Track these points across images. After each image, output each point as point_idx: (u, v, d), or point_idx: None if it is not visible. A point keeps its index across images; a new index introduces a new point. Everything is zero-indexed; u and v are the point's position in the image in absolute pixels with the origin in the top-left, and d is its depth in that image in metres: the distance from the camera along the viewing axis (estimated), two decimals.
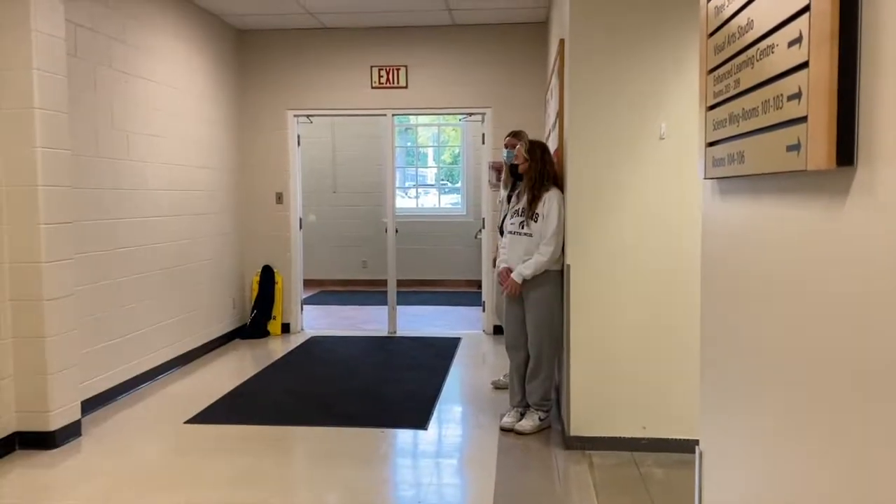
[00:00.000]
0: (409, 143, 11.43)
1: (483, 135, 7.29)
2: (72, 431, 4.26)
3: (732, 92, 1.39)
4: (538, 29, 6.98)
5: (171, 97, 5.92)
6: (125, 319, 5.20)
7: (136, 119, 5.39)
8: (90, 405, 4.69)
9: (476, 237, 9.05)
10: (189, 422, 4.59)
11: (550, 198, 4.23)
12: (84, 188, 4.71)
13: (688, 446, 3.83)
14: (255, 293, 7.34)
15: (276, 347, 6.84)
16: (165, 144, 5.81)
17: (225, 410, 4.87)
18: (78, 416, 4.34)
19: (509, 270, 4.36)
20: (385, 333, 7.44)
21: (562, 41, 4.43)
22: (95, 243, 4.85)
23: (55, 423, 4.13)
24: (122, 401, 5.05)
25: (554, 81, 5.01)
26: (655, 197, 3.95)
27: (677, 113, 3.87)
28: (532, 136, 5.12)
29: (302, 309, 7.66)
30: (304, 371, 5.98)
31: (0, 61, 3.97)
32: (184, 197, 6.11)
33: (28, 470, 3.84)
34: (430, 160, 11.55)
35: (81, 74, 4.71)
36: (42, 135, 4.04)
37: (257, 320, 7.25)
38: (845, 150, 0.98)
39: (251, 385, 5.48)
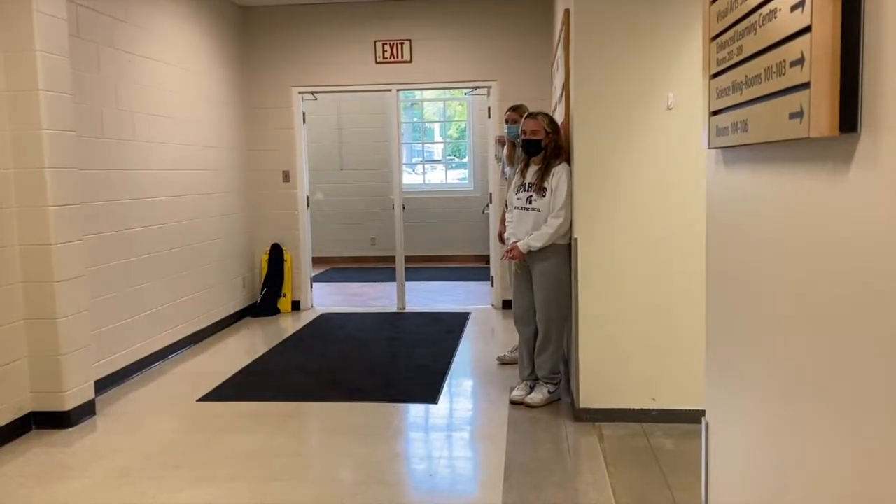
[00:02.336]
0: (415, 119, 11.38)
1: (489, 108, 7.24)
2: (86, 411, 4.31)
3: (735, 59, 1.37)
4: (543, 0, 6.89)
5: (176, 76, 5.90)
6: (136, 299, 5.24)
7: (141, 99, 5.38)
8: (103, 385, 4.75)
9: (483, 212, 9.03)
10: (202, 399, 4.64)
11: (559, 171, 4.21)
12: (91, 169, 4.72)
13: (697, 417, 3.83)
14: (264, 271, 7.37)
15: (287, 325, 6.88)
16: (171, 124, 5.80)
17: (237, 388, 4.91)
18: (92, 395, 4.39)
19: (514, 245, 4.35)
20: (394, 309, 7.47)
21: (567, 11, 4.37)
22: (104, 224, 4.87)
23: (70, 402, 4.18)
24: (135, 380, 5.10)
25: (560, 53, 4.95)
26: (663, 168, 3.92)
27: (685, 82, 3.82)
28: (538, 108, 5.08)
29: (311, 286, 7.69)
30: (314, 348, 6.02)
31: (3, 43, 3.96)
32: (191, 176, 6.12)
33: (44, 449, 3.90)
34: (436, 135, 11.50)
35: (84, 55, 4.70)
36: (47, 116, 4.04)
37: (267, 298, 7.29)
38: (848, 117, 0.96)
39: (263, 362, 5.53)
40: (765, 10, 1.20)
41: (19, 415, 4.06)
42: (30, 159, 4.03)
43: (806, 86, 1.03)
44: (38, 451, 3.87)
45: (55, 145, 4.10)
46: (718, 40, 1.49)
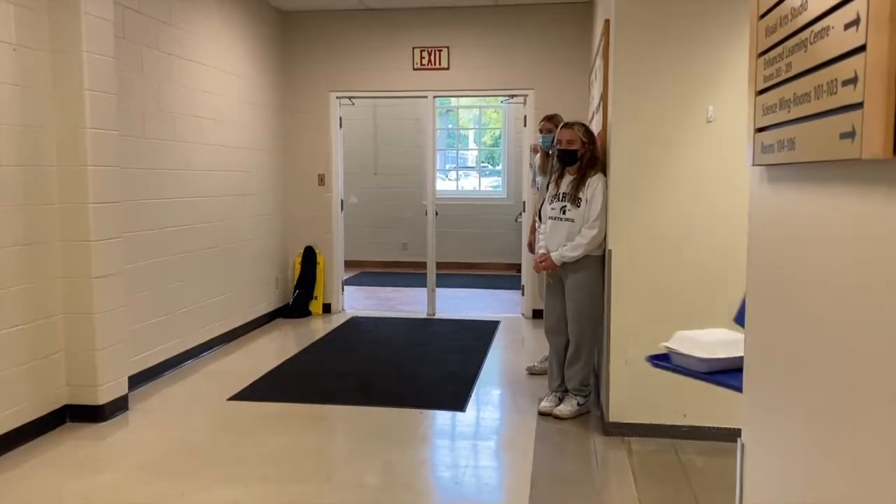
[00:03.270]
0: (449, 126, 11.40)
1: (525, 117, 7.23)
2: (119, 405, 4.38)
3: (784, 76, 1.34)
4: (583, 9, 6.87)
5: (216, 79, 5.99)
6: (171, 297, 5.32)
7: (182, 101, 5.47)
8: (137, 381, 4.82)
9: (516, 220, 9.01)
10: (232, 399, 4.69)
11: (595, 182, 4.18)
12: (132, 168, 4.81)
13: (729, 435, 3.77)
14: (297, 273, 7.43)
15: (318, 327, 6.93)
16: (210, 126, 5.88)
17: (267, 388, 4.95)
18: (125, 390, 4.47)
19: (546, 255, 4.33)
20: (424, 315, 7.47)
21: (607, 22, 4.35)
22: (142, 222, 4.96)
23: (104, 397, 4.26)
24: (167, 377, 5.17)
25: (598, 63, 4.92)
26: (701, 181, 3.87)
27: (726, 96, 3.77)
28: (573, 118, 5.05)
29: (343, 289, 7.74)
30: (344, 351, 6.04)
31: (51, 43, 4.06)
32: (228, 178, 6.20)
33: (78, 442, 3.97)
34: (470, 142, 11.50)
35: (129, 56, 4.79)
36: (91, 116, 4.13)
37: (299, 300, 7.35)
38: None
39: (293, 363, 5.57)
40: (817, 27, 1.17)
41: (55, 407, 4.13)
42: (73, 157, 4.11)
43: (859, 106, 1.00)
44: (72, 443, 3.94)
45: (98, 144, 4.18)
46: (766, 56, 1.46)
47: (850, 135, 1.03)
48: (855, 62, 1.02)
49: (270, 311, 7.11)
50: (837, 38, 1.09)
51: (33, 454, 3.77)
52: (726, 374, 2.00)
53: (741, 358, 1.81)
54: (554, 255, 4.28)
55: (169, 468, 3.60)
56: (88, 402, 4.23)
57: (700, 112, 3.85)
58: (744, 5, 3.10)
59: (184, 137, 5.48)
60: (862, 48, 1.00)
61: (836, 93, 1.09)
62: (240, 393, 4.80)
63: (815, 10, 1.19)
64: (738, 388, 1.92)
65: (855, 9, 1.02)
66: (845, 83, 1.05)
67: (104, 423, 4.21)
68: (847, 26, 1.05)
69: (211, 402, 4.64)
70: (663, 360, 2.27)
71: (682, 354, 2.21)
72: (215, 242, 5.98)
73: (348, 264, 9.06)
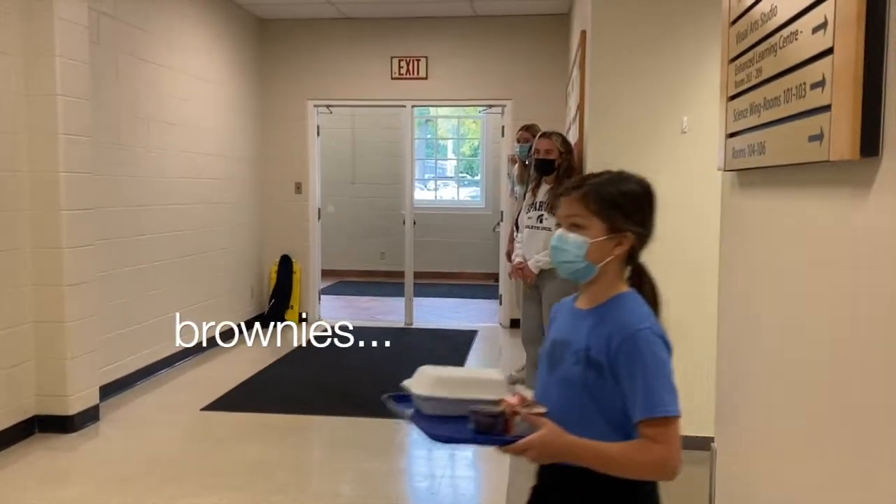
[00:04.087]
0: (428, 135, 11.41)
1: (503, 127, 7.25)
2: (90, 416, 4.30)
3: (754, 81, 1.36)
4: (560, 21, 6.92)
5: (192, 86, 5.95)
6: (144, 306, 5.24)
7: (157, 107, 5.42)
8: (109, 390, 4.74)
9: (494, 230, 9.02)
10: (206, 409, 4.62)
11: None
12: (105, 175, 4.75)
13: (702, 443, 3.78)
14: (273, 282, 7.37)
15: (293, 336, 6.87)
16: (186, 133, 5.83)
17: (241, 398, 4.90)
18: (96, 400, 4.39)
19: (523, 264, 4.33)
20: (402, 325, 7.44)
21: (583, 33, 4.39)
22: (116, 230, 4.89)
23: (74, 407, 4.17)
24: (140, 386, 5.09)
25: (575, 74, 4.96)
26: (676, 191, 3.88)
27: (700, 106, 3.81)
28: (551, 128, 5.08)
29: (319, 299, 7.69)
30: (320, 361, 5.99)
31: (24, 48, 4.00)
32: (204, 185, 6.14)
33: (47, 453, 3.89)
34: (449, 152, 11.52)
35: (103, 62, 4.74)
36: (64, 122, 4.07)
37: (275, 309, 7.28)
38: (870, 140, 0.95)
39: (268, 374, 5.51)
40: (786, 31, 1.19)
41: (23, 418, 4.05)
42: (45, 163, 4.05)
43: (827, 108, 1.01)
44: (41, 454, 3.86)
45: (71, 150, 4.13)
46: (737, 62, 1.48)
47: (818, 137, 1.04)
48: (823, 65, 1.03)
49: (246, 321, 7.03)
50: (806, 42, 1.11)
51: (0, 466, 3.69)
52: (450, 421, 1.53)
53: (478, 400, 1.47)
54: (530, 263, 4.28)
55: (140, 480, 3.54)
56: (58, 413, 4.14)
57: (675, 123, 3.88)
58: (717, 16, 3.14)
59: (159, 144, 5.43)
60: (829, 51, 1.01)
61: (804, 96, 1.11)
62: (213, 403, 4.74)
63: (783, 14, 1.21)
64: (447, 439, 1.61)
65: (822, 12, 1.03)
66: (814, 86, 1.07)
67: (74, 434, 4.13)
68: (815, 30, 1.07)
69: (184, 413, 4.58)
70: (403, 402, 1.74)
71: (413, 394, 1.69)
72: (190, 251, 5.91)
73: (325, 273, 9.01)
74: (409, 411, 1.64)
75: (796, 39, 1.14)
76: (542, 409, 1.43)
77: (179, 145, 5.73)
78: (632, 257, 1.53)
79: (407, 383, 1.73)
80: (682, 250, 3.89)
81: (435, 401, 1.59)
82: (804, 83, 1.10)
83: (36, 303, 4.09)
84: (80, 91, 4.20)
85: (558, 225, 1.55)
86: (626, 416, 1.40)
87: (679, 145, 3.88)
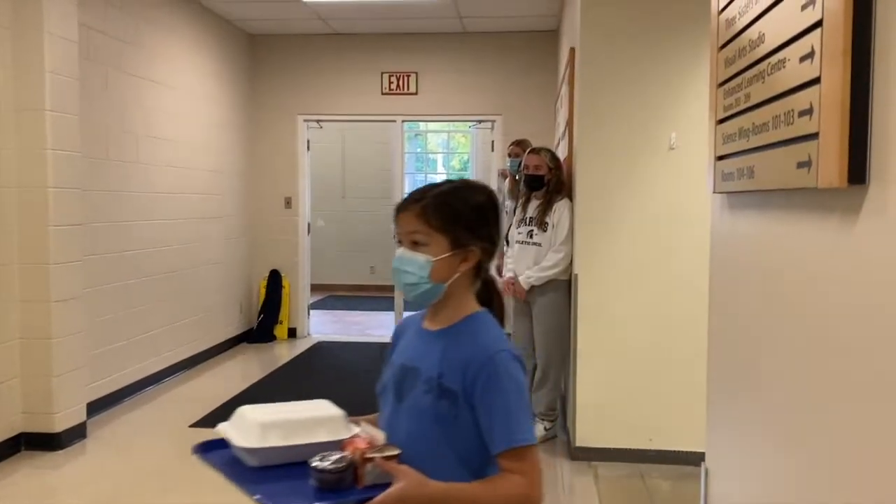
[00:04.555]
0: (418, 149, 11.44)
1: (492, 142, 7.28)
2: (77, 433, 4.26)
3: (742, 106, 1.37)
4: (549, 37, 6.97)
5: (182, 100, 5.94)
6: (132, 322, 5.21)
7: (147, 122, 5.41)
8: (96, 407, 4.70)
9: None
10: (194, 425, 4.59)
11: (561, 207, 4.22)
12: (93, 190, 4.73)
13: (694, 459, 3.79)
14: (262, 297, 7.34)
15: (282, 352, 6.84)
16: (175, 148, 5.82)
17: (230, 415, 4.85)
18: (83, 417, 4.35)
19: (514, 280, 4.34)
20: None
21: (572, 50, 4.42)
22: (104, 246, 4.86)
23: (61, 424, 4.14)
24: (127, 403, 5.05)
25: (564, 90, 4.99)
26: (665, 207, 3.93)
27: (688, 123, 3.84)
28: (540, 143, 5.11)
29: (309, 314, 7.66)
30: (309, 376, 5.97)
31: (13, 64, 3.99)
32: (193, 200, 6.12)
33: (33, 471, 3.84)
34: (439, 166, 11.55)
35: (93, 77, 4.73)
36: (53, 137, 4.06)
37: (264, 325, 7.25)
38: (857, 169, 0.96)
39: (257, 390, 5.48)
40: (773, 59, 1.21)
41: (9, 435, 4.00)
42: (33, 178, 4.03)
43: (814, 136, 1.03)
44: (27, 472, 3.82)
45: (59, 166, 4.11)
46: (725, 87, 1.50)
47: (806, 164, 1.06)
48: (810, 94, 1.05)
49: (234, 336, 7.00)
50: (793, 71, 1.12)
51: None
52: (283, 476, 1.30)
53: (317, 445, 1.31)
54: (521, 279, 4.29)
55: (128, 498, 3.51)
56: (45, 430, 4.10)
57: (663, 139, 3.91)
58: (705, 35, 3.18)
59: (148, 159, 5.42)
60: (817, 80, 1.03)
61: (792, 123, 1.12)
62: (202, 420, 4.71)
63: (771, 42, 1.22)
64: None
65: (809, 42, 1.05)
66: (801, 114, 1.08)
67: (61, 452, 4.09)
68: (802, 59, 1.08)
69: (172, 430, 4.54)
70: (219, 449, 1.47)
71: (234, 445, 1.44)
72: (179, 266, 5.89)
73: (315, 288, 8.99)
74: (228, 465, 1.36)
75: (784, 67, 1.16)
76: (395, 452, 1.27)
77: (168, 160, 5.71)
78: (480, 272, 1.43)
79: (224, 430, 1.44)
80: (672, 262, 3.91)
81: (264, 451, 1.32)
82: (792, 110, 1.12)
83: (22, 319, 4.06)
84: (69, 106, 4.19)
85: (399, 243, 1.44)
86: (476, 449, 1.31)
87: (667, 161, 3.91)
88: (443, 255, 1.37)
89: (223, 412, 4.82)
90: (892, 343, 0.91)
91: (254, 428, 1.37)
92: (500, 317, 1.46)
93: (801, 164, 1.07)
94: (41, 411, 4.10)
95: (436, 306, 1.43)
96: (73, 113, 4.22)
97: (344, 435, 1.34)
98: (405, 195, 1.46)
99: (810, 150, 1.04)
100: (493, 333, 1.38)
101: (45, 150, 4.03)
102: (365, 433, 1.35)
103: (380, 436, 1.35)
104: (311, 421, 1.41)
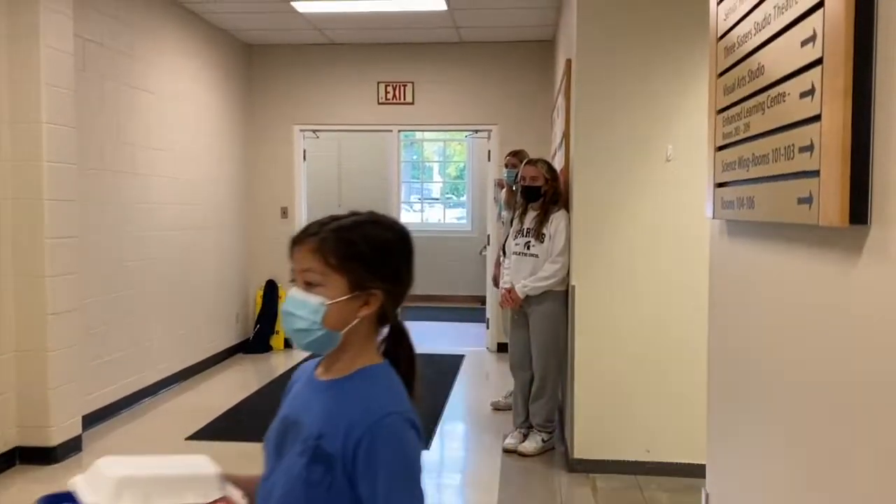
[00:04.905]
0: (414, 157, 11.44)
1: (489, 152, 7.29)
2: (73, 446, 4.24)
3: (742, 135, 1.38)
4: (545, 47, 6.99)
5: (178, 111, 5.94)
6: (128, 334, 5.19)
7: (143, 133, 5.40)
8: (91, 419, 4.68)
9: (481, 253, 9.04)
10: (191, 438, 4.57)
11: (558, 217, 4.23)
12: (89, 202, 4.71)
13: (692, 470, 3.79)
14: (258, 307, 7.33)
15: (279, 363, 6.82)
16: (171, 158, 5.81)
17: (227, 427, 4.85)
18: (79, 431, 4.33)
19: (511, 291, 4.34)
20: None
21: (568, 62, 4.43)
22: (99, 257, 4.85)
23: (56, 438, 4.12)
24: (123, 416, 5.03)
25: (560, 101, 5.00)
26: (661, 218, 3.93)
27: (684, 135, 3.86)
28: (537, 153, 5.12)
29: None
30: None
31: (9, 76, 3.98)
32: (189, 211, 6.11)
33: (28, 485, 3.82)
34: (435, 174, 11.55)
35: (89, 88, 4.73)
36: (49, 149, 4.05)
37: (260, 335, 7.23)
38: (859, 209, 0.96)
39: (253, 401, 5.46)
40: (773, 91, 1.21)
41: (4, 449, 3.99)
42: (29, 191, 4.02)
43: (815, 173, 1.03)
44: (22, 487, 3.80)
45: (55, 178, 4.10)
46: (725, 114, 1.50)
47: (807, 200, 1.06)
48: (811, 130, 1.05)
49: (230, 347, 6.98)
50: (794, 106, 1.12)
51: None
52: None
53: None
54: (518, 289, 4.30)
55: None
56: (40, 444, 4.08)
57: (660, 150, 3.92)
58: (702, 48, 3.18)
59: (144, 170, 5.41)
60: (817, 118, 1.03)
61: (793, 158, 1.12)
62: (199, 432, 4.69)
63: (771, 75, 1.23)
64: None
65: (810, 79, 1.05)
66: (802, 150, 1.09)
67: (56, 466, 4.06)
68: (803, 95, 1.09)
69: (169, 442, 4.52)
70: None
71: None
72: (175, 276, 5.87)
73: None
74: None
75: (784, 101, 1.16)
76: None
77: (165, 171, 5.70)
78: (386, 317, 1.25)
79: (76, 483, 1.27)
80: (668, 273, 3.92)
81: None
82: (792, 145, 1.12)
83: (18, 332, 4.05)
84: (65, 118, 4.18)
85: (292, 281, 1.25)
86: None
87: (664, 173, 3.92)
88: (340, 298, 1.18)
89: (221, 424, 4.83)
90: (893, 374, 0.92)
91: (108, 484, 1.20)
92: (407, 372, 1.26)
93: (801, 200, 1.07)
94: (37, 425, 4.08)
95: (331, 354, 1.26)
96: (69, 125, 4.22)
97: (215, 495, 1.20)
98: (302, 226, 1.26)
99: (811, 187, 1.04)
100: (388, 392, 1.20)
101: (41, 163, 4.02)
102: (229, 496, 1.20)
103: (239, 501, 1.22)
104: (179, 480, 1.26)
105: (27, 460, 4.06)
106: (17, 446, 4.06)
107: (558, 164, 4.88)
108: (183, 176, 6.00)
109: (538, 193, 4.30)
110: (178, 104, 5.92)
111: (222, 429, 4.80)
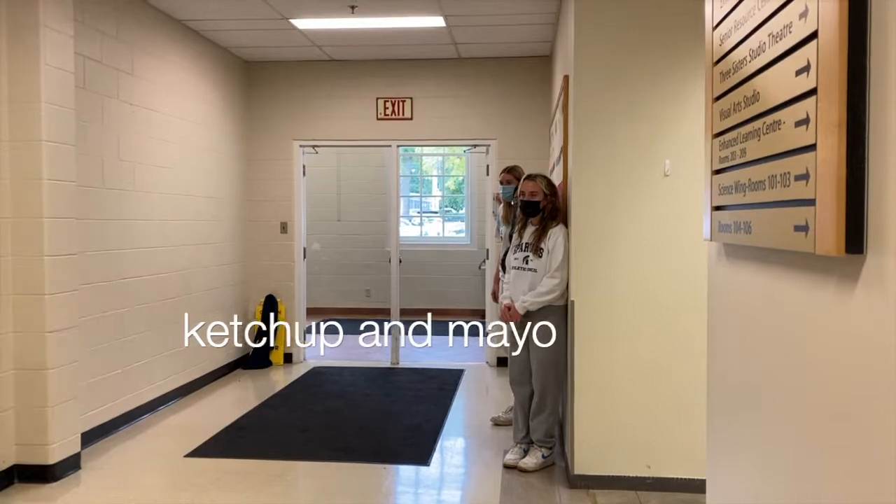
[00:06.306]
0: (413, 171, 11.47)
1: (487, 166, 7.31)
2: (71, 464, 4.23)
3: (739, 160, 1.39)
4: (542, 62, 7.03)
5: (178, 128, 5.96)
6: (127, 350, 5.19)
7: (143, 150, 5.41)
8: (90, 437, 4.66)
9: (480, 267, 9.04)
10: (189, 455, 4.56)
11: (556, 232, 4.24)
12: (89, 219, 4.73)
13: (693, 486, 3.79)
14: (258, 323, 7.32)
15: (279, 378, 6.81)
16: (171, 175, 5.83)
17: (225, 444, 4.83)
18: (78, 448, 4.32)
19: (510, 307, 4.35)
20: (388, 364, 7.40)
21: (566, 77, 4.45)
22: (99, 274, 4.85)
23: (55, 456, 4.10)
24: (122, 433, 5.02)
25: (558, 116, 5.02)
26: (660, 233, 3.95)
27: (682, 150, 3.87)
28: (535, 168, 5.13)
29: (305, 339, 7.64)
30: (305, 403, 5.94)
31: (10, 94, 4.00)
32: (188, 227, 6.12)
33: None
34: (434, 188, 11.57)
35: (89, 106, 4.75)
36: (49, 167, 4.06)
37: (260, 350, 7.23)
38: (855, 238, 0.97)
39: (252, 417, 5.45)
40: (769, 119, 1.22)
41: (2, 468, 3.97)
42: (28, 209, 4.03)
43: (811, 202, 1.04)
44: None
45: (54, 196, 4.11)
46: (721, 138, 1.51)
47: (803, 228, 1.07)
48: (806, 159, 1.06)
49: (230, 363, 6.97)
50: (789, 134, 1.13)
51: None
52: None
53: None
54: (517, 305, 4.30)
55: None
56: (38, 462, 4.07)
57: (658, 165, 3.94)
58: (699, 64, 3.20)
59: (144, 187, 5.42)
60: (812, 147, 1.04)
61: (789, 185, 1.13)
62: (197, 449, 4.68)
63: (766, 102, 1.24)
64: None
65: (804, 109, 1.06)
66: (798, 178, 1.09)
67: (55, 484, 4.05)
68: (798, 124, 1.10)
69: (167, 459, 4.51)
70: None
71: None
72: (175, 293, 5.87)
73: (311, 312, 8.96)
74: None
75: (779, 129, 1.17)
76: None
77: (165, 187, 5.72)
78: None
79: None
80: (668, 288, 3.92)
81: None
82: (788, 173, 1.13)
83: (16, 350, 4.04)
84: (65, 137, 4.20)
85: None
86: None
87: (662, 187, 3.93)
88: None
89: (220, 441, 4.82)
90: (890, 404, 0.92)
91: None
92: None
93: (798, 228, 1.08)
94: (35, 443, 4.07)
95: None
96: (68, 143, 4.23)
97: None
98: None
99: (807, 216, 1.05)
100: None
101: (41, 181, 4.03)
102: None
103: None
104: None
105: (25, 479, 4.05)
106: (15, 465, 4.05)
107: (557, 178, 4.89)
108: (182, 192, 6.02)
109: (537, 208, 4.32)
110: (177, 121, 5.94)
111: (222, 446, 4.78)
